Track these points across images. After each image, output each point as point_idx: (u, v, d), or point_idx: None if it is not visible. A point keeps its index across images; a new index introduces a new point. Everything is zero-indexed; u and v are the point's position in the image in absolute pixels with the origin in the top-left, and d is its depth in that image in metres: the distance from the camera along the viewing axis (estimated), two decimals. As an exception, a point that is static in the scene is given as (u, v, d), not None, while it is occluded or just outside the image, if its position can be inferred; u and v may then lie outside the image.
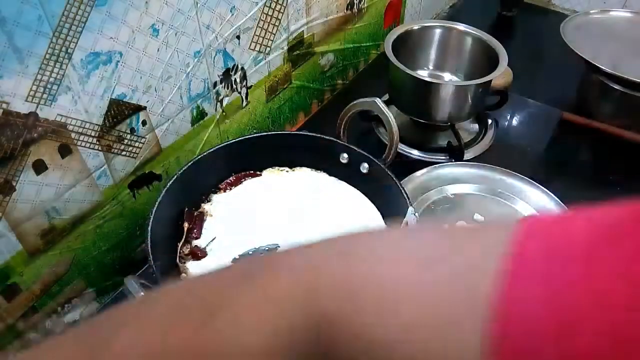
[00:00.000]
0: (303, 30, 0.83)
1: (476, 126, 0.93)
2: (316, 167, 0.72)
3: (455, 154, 0.84)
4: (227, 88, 0.74)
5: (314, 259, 0.26)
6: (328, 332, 0.23)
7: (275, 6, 0.74)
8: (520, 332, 0.18)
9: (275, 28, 0.76)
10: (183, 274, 0.59)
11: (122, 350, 0.26)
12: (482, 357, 0.18)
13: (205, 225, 0.64)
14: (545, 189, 0.76)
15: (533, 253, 0.19)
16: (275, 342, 0.24)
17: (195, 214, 0.65)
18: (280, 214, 0.66)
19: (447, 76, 0.96)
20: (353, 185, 0.70)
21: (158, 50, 0.59)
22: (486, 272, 0.20)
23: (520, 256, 0.19)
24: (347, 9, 0.92)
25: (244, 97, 0.78)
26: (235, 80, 0.74)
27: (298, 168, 0.73)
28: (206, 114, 0.72)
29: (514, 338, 0.18)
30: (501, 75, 0.89)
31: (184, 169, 0.63)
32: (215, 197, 0.68)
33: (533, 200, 0.76)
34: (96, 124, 0.56)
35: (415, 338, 0.21)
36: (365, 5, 0.98)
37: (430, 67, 0.97)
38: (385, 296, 0.22)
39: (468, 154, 0.85)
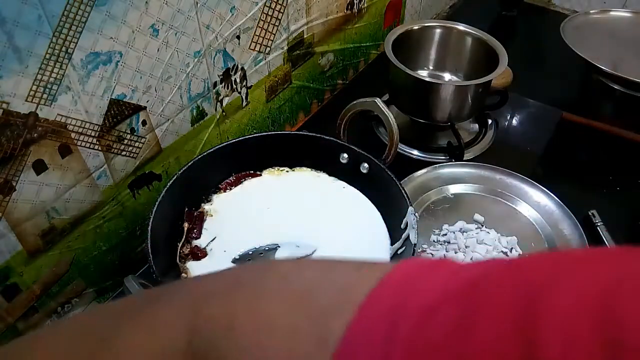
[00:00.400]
0: (303, 30, 0.83)
1: (476, 126, 0.93)
2: (316, 167, 0.72)
3: (455, 154, 0.84)
4: (227, 88, 0.74)
5: (200, 296, 0.29)
6: None
7: (275, 6, 0.74)
8: None
9: (275, 28, 0.76)
10: (183, 274, 0.59)
11: None
12: None
13: (205, 225, 0.64)
14: (545, 189, 0.76)
15: (376, 318, 0.21)
16: None
17: (195, 214, 0.65)
18: (280, 214, 0.66)
19: (447, 76, 0.96)
20: (353, 185, 0.70)
21: (158, 50, 0.59)
22: (336, 319, 0.22)
23: (364, 316, 0.21)
24: (347, 9, 0.92)
25: (244, 97, 0.78)
26: (235, 80, 0.74)
27: (298, 168, 0.73)
28: (206, 114, 0.72)
29: None
30: (501, 75, 0.89)
31: (184, 169, 0.63)
32: (215, 197, 0.68)
33: (533, 200, 0.76)
34: (96, 124, 0.56)
35: None
36: (365, 5, 0.98)
37: (430, 67, 0.97)
38: (257, 332, 0.25)
39: (468, 154, 0.85)
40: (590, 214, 0.76)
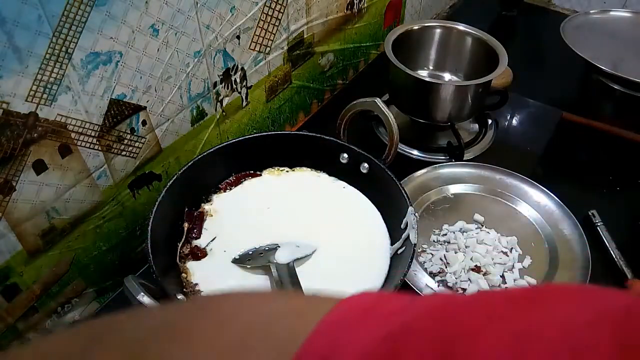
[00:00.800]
0: (303, 30, 0.83)
1: (476, 126, 0.93)
2: (316, 167, 0.72)
3: (455, 154, 0.84)
4: (227, 88, 0.74)
5: (135, 342, 0.29)
6: None
7: (275, 6, 0.74)
8: None
9: (275, 28, 0.76)
10: (183, 274, 0.59)
11: None
12: None
13: (205, 225, 0.64)
14: (545, 189, 0.76)
15: None
16: None
17: (195, 214, 0.65)
18: (280, 214, 0.66)
19: (447, 76, 0.96)
20: (353, 185, 0.70)
21: (158, 50, 0.59)
22: None
23: None
24: (347, 9, 0.92)
25: (244, 97, 0.78)
26: (235, 80, 0.74)
27: (298, 168, 0.73)
28: (206, 114, 0.72)
29: None
30: (501, 75, 0.89)
31: (184, 169, 0.63)
32: (215, 197, 0.68)
33: (533, 200, 0.76)
34: (96, 124, 0.56)
35: None
36: (365, 5, 0.98)
37: (430, 67, 0.97)
38: None
39: (468, 154, 0.85)
40: (590, 214, 0.76)
